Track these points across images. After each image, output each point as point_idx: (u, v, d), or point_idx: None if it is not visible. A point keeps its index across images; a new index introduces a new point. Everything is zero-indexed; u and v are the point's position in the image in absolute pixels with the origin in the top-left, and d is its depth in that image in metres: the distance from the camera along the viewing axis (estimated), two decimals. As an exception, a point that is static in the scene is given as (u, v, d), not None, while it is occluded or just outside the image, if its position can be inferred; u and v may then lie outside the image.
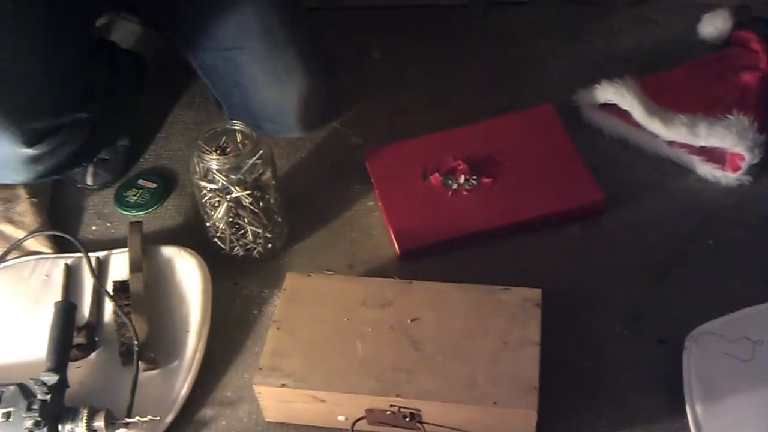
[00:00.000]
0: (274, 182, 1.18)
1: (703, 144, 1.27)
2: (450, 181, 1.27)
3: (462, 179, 1.26)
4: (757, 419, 0.97)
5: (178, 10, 1.30)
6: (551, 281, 1.12)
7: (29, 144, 1.10)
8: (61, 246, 1.26)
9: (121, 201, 1.34)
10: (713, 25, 1.47)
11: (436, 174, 1.27)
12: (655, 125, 1.28)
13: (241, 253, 1.22)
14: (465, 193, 1.26)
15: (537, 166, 1.28)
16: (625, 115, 1.32)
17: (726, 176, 1.26)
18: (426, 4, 1.63)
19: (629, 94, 1.30)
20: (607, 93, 1.32)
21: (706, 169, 1.28)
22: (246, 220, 1.18)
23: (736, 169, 1.26)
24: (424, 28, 1.60)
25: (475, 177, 1.26)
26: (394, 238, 1.22)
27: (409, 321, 1.04)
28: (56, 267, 1.22)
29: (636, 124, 1.31)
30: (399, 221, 1.23)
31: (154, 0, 1.34)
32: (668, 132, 1.28)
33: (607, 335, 1.11)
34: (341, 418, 1.01)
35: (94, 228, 1.31)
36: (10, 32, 1.09)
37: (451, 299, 1.06)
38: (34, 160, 1.12)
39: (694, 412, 0.98)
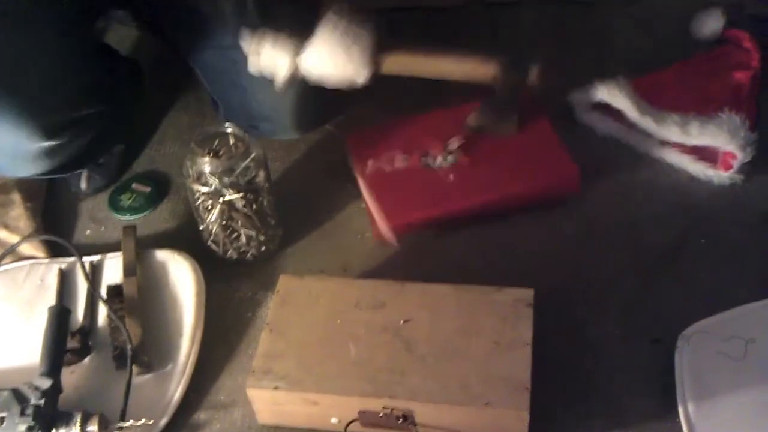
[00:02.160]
0: (267, 184, 1.18)
1: (695, 143, 1.27)
2: (429, 161, 1.29)
3: (440, 159, 1.28)
4: (749, 418, 0.97)
5: (177, 10, 1.30)
6: (544, 280, 1.12)
7: (45, 137, 1.12)
8: (55, 250, 1.26)
9: (115, 205, 1.34)
10: (706, 24, 1.47)
11: (416, 155, 1.29)
12: (647, 125, 1.28)
13: (235, 256, 1.22)
14: (445, 172, 1.27)
15: (516, 145, 1.30)
16: (617, 115, 1.32)
17: (718, 175, 1.27)
18: (423, 5, 1.62)
19: (622, 94, 1.30)
20: (601, 93, 1.32)
21: (699, 168, 1.28)
22: (239, 223, 1.18)
23: (728, 167, 1.26)
24: (421, 31, 1.59)
25: (453, 156, 1.28)
26: (375, 216, 1.23)
27: (401, 322, 1.04)
28: (50, 271, 1.22)
29: (629, 124, 1.32)
30: (380, 201, 1.24)
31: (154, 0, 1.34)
32: (661, 131, 1.28)
33: (599, 334, 1.11)
34: (334, 420, 1.01)
35: (88, 232, 1.32)
36: (25, 28, 1.11)
37: (443, 300, 1.06)
38: (48, 153, 1.15)
39: (686, 411, 0.98)
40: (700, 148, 1.27)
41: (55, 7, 1.14)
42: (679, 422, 0.98)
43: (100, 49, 1.32)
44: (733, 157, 1.24)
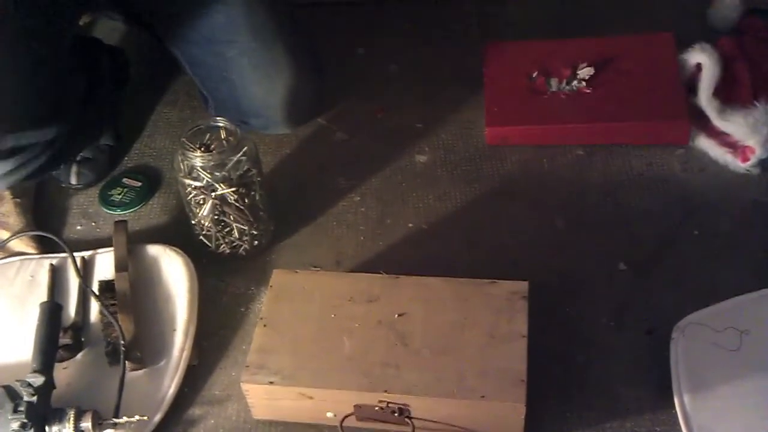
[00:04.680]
0: (259, 179, 1.18)
1: (722, 129, 1.28)
2: (551, 83, 1.37)
3: (563, 84, 1.36)
4: (745, 409, 0.97)
5: (167, 4, 1.30)
6: (538, 273, 1.13)
7: None
8: (46, 246, 1.25)
9: (105, 200, 1.33)
10: (722, 12, 1.45)
11: (542, 76, 1.38)
12: (704, 101, 1.30)
13: (228, 251, 1.22)
14: (563, 96, 1.36)
15: (637, 84, 1.36)
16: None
17: (735, 164, 1.27)
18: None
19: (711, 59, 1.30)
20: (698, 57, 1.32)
21: (719, 153, 1.28)
22: (231, 218, 1.18)
23: (745, 159, 1.26)
24: (409, 24, 1.59)
25: (575, 83, 1.36)
26: (485, 118, 1.36)
27: (396, 316, 1.03)
28: (41, 267, 1.21)
29: None
30: (494, 105, 1.37)
31: None
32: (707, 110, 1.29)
33: (594, 327, 1.11)
34: (330, 414, 1.01)
35: (79, 228, 1.31)
36: None
37: (438, 293, 1.06)
38: (7, 175, 1.13)
39: (682, 402, 0.98)
40: (724, 133, 1.28)
41: (18, 28, 1.09)
42: (675, 413, 0.98)
43: (78, 48, 1.26)
44: (753, 151, 1.25)
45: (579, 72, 1.38)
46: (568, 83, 1.37)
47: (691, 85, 1.34)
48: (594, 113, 1.34)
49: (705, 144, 1.30)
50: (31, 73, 1.11)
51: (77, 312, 1.15)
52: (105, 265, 1.20)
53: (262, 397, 1.01)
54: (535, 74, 1.39)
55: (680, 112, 1.32)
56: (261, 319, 1.05)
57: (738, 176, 1.27)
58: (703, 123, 1.30)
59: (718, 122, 1.28)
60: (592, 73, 1.37)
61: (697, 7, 1.47)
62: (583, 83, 1.37)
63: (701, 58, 1.31)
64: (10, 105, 1.09)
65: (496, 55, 1.44)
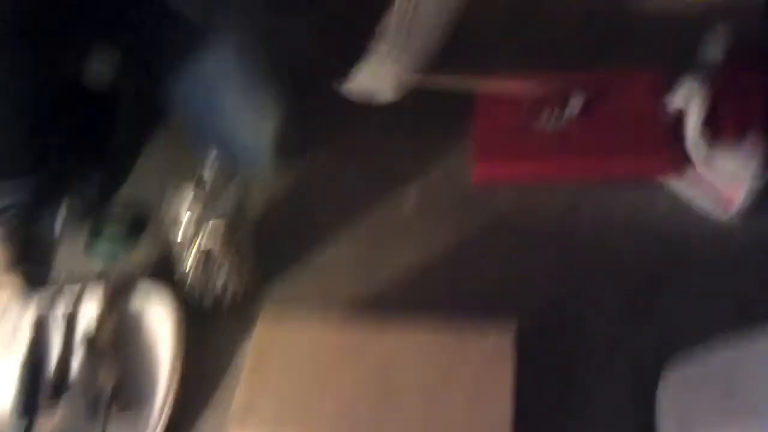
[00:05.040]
0: (246, 224, 1.17)
1: (705, 173, 1.27)
2: (539, 119, 1.37)
3: (551, 120, 1.37)
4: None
5: (153, 37, 1.30)
6: (526, 313, 1.12)
7: None
8: (30, 290, 1.23)
9: (91, 244, 1.32)
10: (711, 48, 1.45)
11: (527, 108, 1.37)
12: (695, 144, 1.28)
13: (213, 299, 1.21)
14: (551, 132, 1.35)
15: (624, 119, 1.36)
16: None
17: (717, 210, 1.27)
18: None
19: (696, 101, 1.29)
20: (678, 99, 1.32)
21: (700, 199, 1.28)
22: (218, 262, 1.17)
23: (729, 205, 1.26)
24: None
25: (562, 118, 1.37)
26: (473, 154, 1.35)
27: (382, 367, 1.03)
28: (24, 311, 1.20)
29: None
30: (482, 143, 1.36)
31: (134, 31, 1.33)
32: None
33: (582, 367, 1.10)
34: (314, 468, 1.00)
35: (63, 272, 1.29)
36: None
37: (425, 342, 1.05)
38: None
39: (669, 450, 0.97)
40: (708, 180, 1.28)
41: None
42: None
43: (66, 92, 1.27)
44: (735, 198, 1.24)
45: (567, 107, 1.39)
46: (556, 119, 1.38)
47: (677, 126, 1.35)
48: (582, 148, 1.35)
49: (689, 190, 1.29)
50: (9, 129, 1.12)
51: (60, 359, 1.14)
52: (89, 308, 1.19)
53: (246, 449, 1.00)
54: (523, 110, 1.39)
55: (668, 145, 1.32)
56: (246, 369, 1.04)
57: (723, 222, 1.27)
58: (687, 169, 1.31)
59: (703, 167, 1.28)
60: (579, 108, 1.38)
61: (686, 43, 1.48)
62: (571, 119, 1.38)
63: (687, 99, 1.31)
64: None
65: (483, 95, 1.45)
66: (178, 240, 1.15)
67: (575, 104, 1.38)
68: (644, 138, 1.34)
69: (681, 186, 1.31)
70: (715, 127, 1.30)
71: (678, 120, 1.33)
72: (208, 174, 1.15)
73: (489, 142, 1.36)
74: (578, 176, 1.34)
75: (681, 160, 1.30)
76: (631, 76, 1.43)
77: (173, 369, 1.11)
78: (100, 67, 1.47)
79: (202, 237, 1.13)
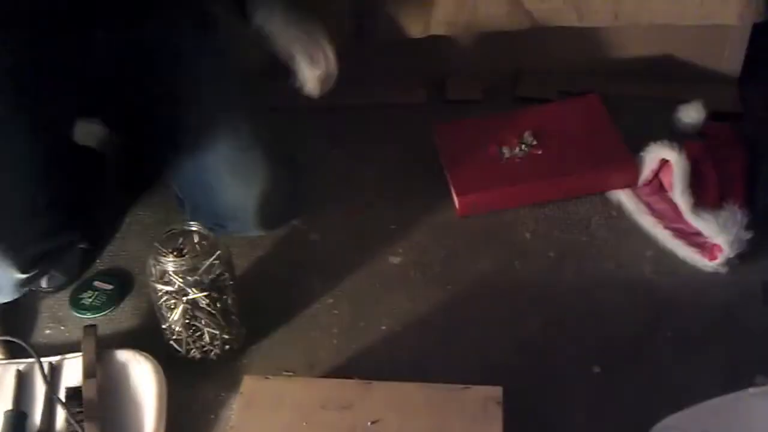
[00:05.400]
0: (231, 282, 1.17)
1: (692, 226, 1.30)
2: (504, 151, 1.46)
3: (515, 150, 1.46)
4: None
5: (146, 113, 1.31)
6: (512, 376, 1.12)
7: (25, 270, 1.17)
8: (13, 351, 1.22)
9: (76, 303, 1.32)
10: (687, 117, 1.48)
11: (494, 144, 1.48)
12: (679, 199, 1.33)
13: (198, 356, 1.20)
14: (518, 160, 1.46)
15: (581, 140, 1.47)
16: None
17: (704, 262, 1.28)
18: (384, 103, 1.64)
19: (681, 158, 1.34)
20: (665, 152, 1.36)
21: (687, 252, 1.30)
22: (203, 322, 1.17)
23: (713, 258, 1.27)
24: (382, 127, 1.61)
25: (525, 147, 1.47)
26: (453, 190, 1.44)
27: (369, 424, 1.02)
28: (7, 373, 1.18)
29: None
30: (459, 177, 1.45)
31: (121, 105, 1.34)
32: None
33: (567, 428, 1.10)
34: None
35: (47, 332, 1.29)
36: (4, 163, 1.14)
37: (411, 400, 1.05)
38: (26, 282, 1.20)
39: None
40: (693, 232, 1.30)
41: (26, 139, 1.16)
42: None
43: (72, 165, 1.30)
44: (720, 249, 1.26)
45: (525, 138, 1.48)
46: (519, 148, 1.46)
47: (654, 181, 1.39)
48: (550, 170, 1.44)
49: (673, 244, 1.31)
50: (46, 181, 1.18)
51: (43, 420, 1.12)
52: (73, 370, 1.17)
53: None
54: (487, 145, 1.48)
55: (626, 156, 1.42)
56: (231, 427, 1.04)
57: (708, 276, 1.28)
58: (671, 222, 1.33)
59: (690, 216, 1.30)
60: (534, 138, 1.47)
61: (661, 113, 1.51)
62: (532, 147, 1.46)
63: (668, 154, 1.34)
64: (31, 214, 1.17)
65: (447, 134, 1.53)
66: (164, 298, 1.15)
67: (529, 136, 1.47)
68: (602, 152, 1.44)
69: (666, 240, 1.32)
70: (696, 189, 1.33)
71: (658, 171, 1.38)
72: (194, 235, 1.15)
73: (464, 178, 1.45)
74: (549, 196, 1.43)
75: (660, 226, 1.34)
76: (572, 102, 1.55)
77: (157, 429, 1.10)
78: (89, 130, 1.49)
79: (190, 291, 1.12)
